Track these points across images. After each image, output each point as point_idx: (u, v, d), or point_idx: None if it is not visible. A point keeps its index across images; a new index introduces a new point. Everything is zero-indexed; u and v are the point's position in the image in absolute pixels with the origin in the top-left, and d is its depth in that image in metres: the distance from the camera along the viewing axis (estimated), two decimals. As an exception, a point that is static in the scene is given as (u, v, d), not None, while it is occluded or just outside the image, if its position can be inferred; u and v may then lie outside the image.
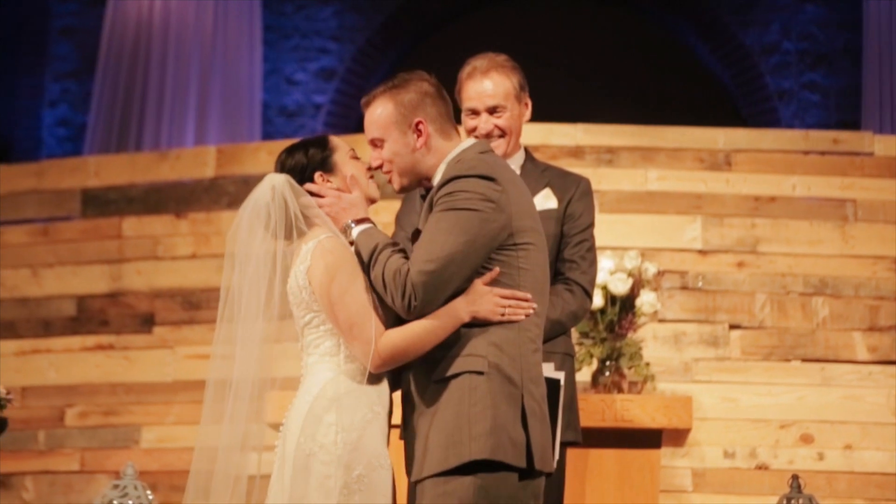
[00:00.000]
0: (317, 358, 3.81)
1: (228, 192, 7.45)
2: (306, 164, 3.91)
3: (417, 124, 3.86)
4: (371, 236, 3.79)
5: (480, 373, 3.65)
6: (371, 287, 3.76)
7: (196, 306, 7.32)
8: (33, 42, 10.48)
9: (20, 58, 10.50)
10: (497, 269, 3.70)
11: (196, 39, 9.97)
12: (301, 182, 3.89)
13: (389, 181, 3.93)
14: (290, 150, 3.95)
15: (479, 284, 3.69)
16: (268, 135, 10.10)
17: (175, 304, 7.35)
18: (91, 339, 7.42)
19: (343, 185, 3.90)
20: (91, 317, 7.46)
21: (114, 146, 9.70)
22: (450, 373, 3.67)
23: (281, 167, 3.93)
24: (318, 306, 3.78)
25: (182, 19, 10.00)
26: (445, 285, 3.65)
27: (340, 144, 3.96)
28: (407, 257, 3.72)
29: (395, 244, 3.77)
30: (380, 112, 3.90)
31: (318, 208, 3.85)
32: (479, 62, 4.77)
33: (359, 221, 3.85)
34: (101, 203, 7.64)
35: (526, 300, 3.72)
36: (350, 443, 3.69)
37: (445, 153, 3.87)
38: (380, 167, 3.91)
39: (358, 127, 3.95)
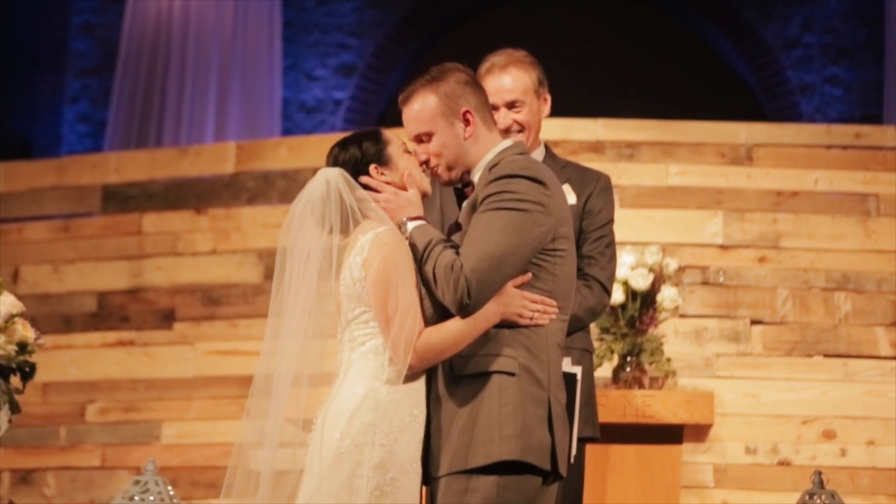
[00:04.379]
0: (360, 355, 3.80)
1: (248, 188, 7.46)
2: (360, 157, 3.89)
3: (465, 114, 3.86)
4: (425, 232, 3.80)
5: (511, 374, 3.68)
6: (422, 284, 3.77)
7: (216, 302, 7.32)
8: (53, 38, 10.50)
9: (40, 54, 10.52)
10: (530, 273, 3.72)
11: (216, 35, 9.98)
12: (355, 175, 3.87)
13: (435, 175, 3.93)
14: (342, 144, 3.94)
15: (509, 287, 3.70)
16: (287, 131, 10.10)
17: (195, 300, 7.36)
18: (112, 335, 7.43)
19: (399, 179, 3.89)
20: (112, 313, 7.47)
21: (134, 142, 9.71)
22: (480, 371, 3.69)
23: (334, 161, 3.91)
24: (369, 301, 3.77)
25: (202, 15, 10.01)
26: (497, 284, 3.67)
27: (393, 138, 3.94)
28: (459, 254, 3.72)
29: (448, 240, 3.78)
30: (423, 105, 3.87)
31: (374, 202, 3.85)
32: (497, 58, 4.76)
33: (413, 219, 3.84)
34: (121, 199, 7.65)
35: (552, 306, 3.75)
36: (387, 445, 3.68)
37: (490, 144, 3.88)
38: (426, 162, 3.91)
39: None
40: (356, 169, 3.88)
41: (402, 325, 3.71)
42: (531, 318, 3.72)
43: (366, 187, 3.87)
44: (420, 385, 3.79)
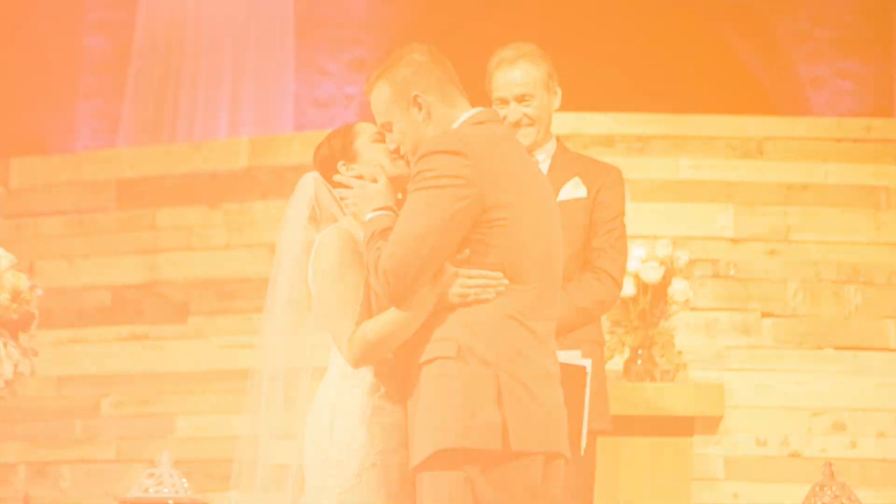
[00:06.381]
0: (334, 352, 3.79)
1: (262, 183, 7.48)
2: (330, 155, 3.89)
3: (415, 98, 3.74)
4: (373, 223, 3.68)
5: (449, 357, 3.53)
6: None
7: (230, 296, 7.35)
8: (67, 34, 10.54)
9: (54, 50, 10.55)
10: (467, 250, 3.59)
11: (229, 30, 10.00)
12: (331, 174, 3.88)
13: (406, 162, 3.82)
14: (320, 145, 3.95)
15: (445, 266, 3.58)
16: (300, 125, 10.11)
17: (209, 295, 7.39)
18: (126, 330, 7.46)
19: (369, 171, 3.84)
20: (126, 307, 7.50)
21: (148, 137, 9.75)
22: (423, 359, 3.58)
23: (314, 163, 3.94)
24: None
25: (215, 10, 10.04)
26: (420, 268, 3.54)
27: (364, 129, 3.91)
28: None
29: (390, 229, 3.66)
30: (379, 95, 3.81)
31: (340, 201, 3.84)
32: (506, 52, 4.78)
33: (377, 210, 3.72)
34: (135, 194, 7.68)
35: (495, 279, 3.58)
36: (345, 442, 3.67)
37: (451, 121, 3.74)
38: (397, 150, 3.82)
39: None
40: (330, 167, 3.89)
41: (337, 323, 3.67)
42: (469, 296, 3.58)
43: (340, 185, 3.86)
44: (387, 377, 3.73)
